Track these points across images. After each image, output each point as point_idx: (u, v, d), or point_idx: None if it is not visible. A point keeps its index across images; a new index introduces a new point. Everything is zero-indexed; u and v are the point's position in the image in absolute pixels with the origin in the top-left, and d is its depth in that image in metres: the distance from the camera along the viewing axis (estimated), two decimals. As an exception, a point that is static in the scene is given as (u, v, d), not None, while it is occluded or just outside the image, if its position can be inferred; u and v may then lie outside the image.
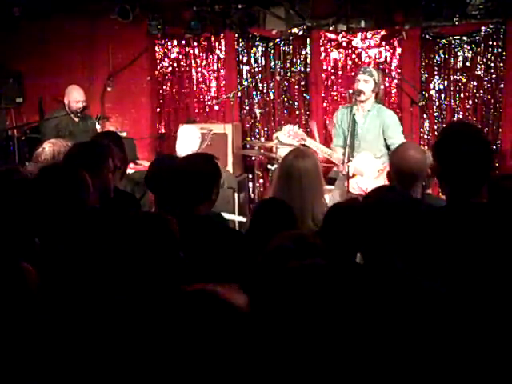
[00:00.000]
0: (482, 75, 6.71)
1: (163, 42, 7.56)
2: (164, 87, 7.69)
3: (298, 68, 7.24)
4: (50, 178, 2.78)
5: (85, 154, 3.24)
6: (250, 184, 7.30)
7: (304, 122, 7.29)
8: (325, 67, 7.11)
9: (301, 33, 7.10)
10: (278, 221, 2.74)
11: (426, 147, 6.47)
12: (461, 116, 6.81)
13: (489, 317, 2.00)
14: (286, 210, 2.85)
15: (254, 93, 7.39)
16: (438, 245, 2.11)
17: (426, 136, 6.88)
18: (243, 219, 4.93)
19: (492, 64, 6.66)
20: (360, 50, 7.00)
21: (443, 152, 2.24)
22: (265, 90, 7.38)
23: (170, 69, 7.65)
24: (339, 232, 2.54)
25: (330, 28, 7.01)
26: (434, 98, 6.88)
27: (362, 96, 5.03)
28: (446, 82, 6.84)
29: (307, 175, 3.20)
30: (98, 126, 6.31)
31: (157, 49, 7.59)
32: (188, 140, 5.31)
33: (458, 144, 2.20)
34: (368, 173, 5.02)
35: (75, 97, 6.13)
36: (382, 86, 5.21)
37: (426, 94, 6.75)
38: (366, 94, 5.04)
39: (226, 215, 4.22)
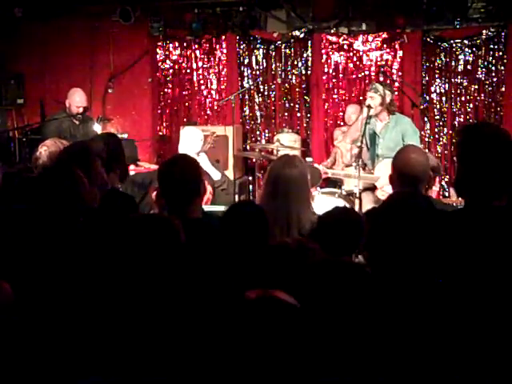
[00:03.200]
0: (482, 78, 6.72)
1: (164, 43, 7.56)
2: (165, 89, 7.69)
3: (299, 70, 7.25)
4: (47, 180, 2.81)
5: (70, 153, 3.36)
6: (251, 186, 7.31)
7: (305, 125, 7.30)
8: (326, 70, 7.12)
9: (302, 35, 7.11)
10: (247, 224, 2.64)
11: (427, 150, 6.47)
12: (462, 119, 6.82)
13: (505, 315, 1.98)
14: (256, 213, 2.72)
15: (255, 95, 7.41)
16: (456, 247, 2.08)
17: (426, 139, 6.88)
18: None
19: (493, 67, 6.67)
20: (361, 53, 7.01)
21: (469, 152, 2.18)
22: (266, 93, 7.39)
23: (171, 71, 7.64)
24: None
25: (332, 31, 7.03)
26: (434, 101, 6.89)
27: (372, 111, 5.04)
28: (446, 85, 6.85)
29: (294, 184, 3.12)
30: (98, 128, 6.31)
31: (158, 51, 7.59)
32: (190, 142, 5.30)
33: (485, 144, 2.15)
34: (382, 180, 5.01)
35: (77, 101, 6.10)
36: (390, 93, 5.17)
37: (427, 97, 6.74)
38: (374, 108, 5.07)
39: None
